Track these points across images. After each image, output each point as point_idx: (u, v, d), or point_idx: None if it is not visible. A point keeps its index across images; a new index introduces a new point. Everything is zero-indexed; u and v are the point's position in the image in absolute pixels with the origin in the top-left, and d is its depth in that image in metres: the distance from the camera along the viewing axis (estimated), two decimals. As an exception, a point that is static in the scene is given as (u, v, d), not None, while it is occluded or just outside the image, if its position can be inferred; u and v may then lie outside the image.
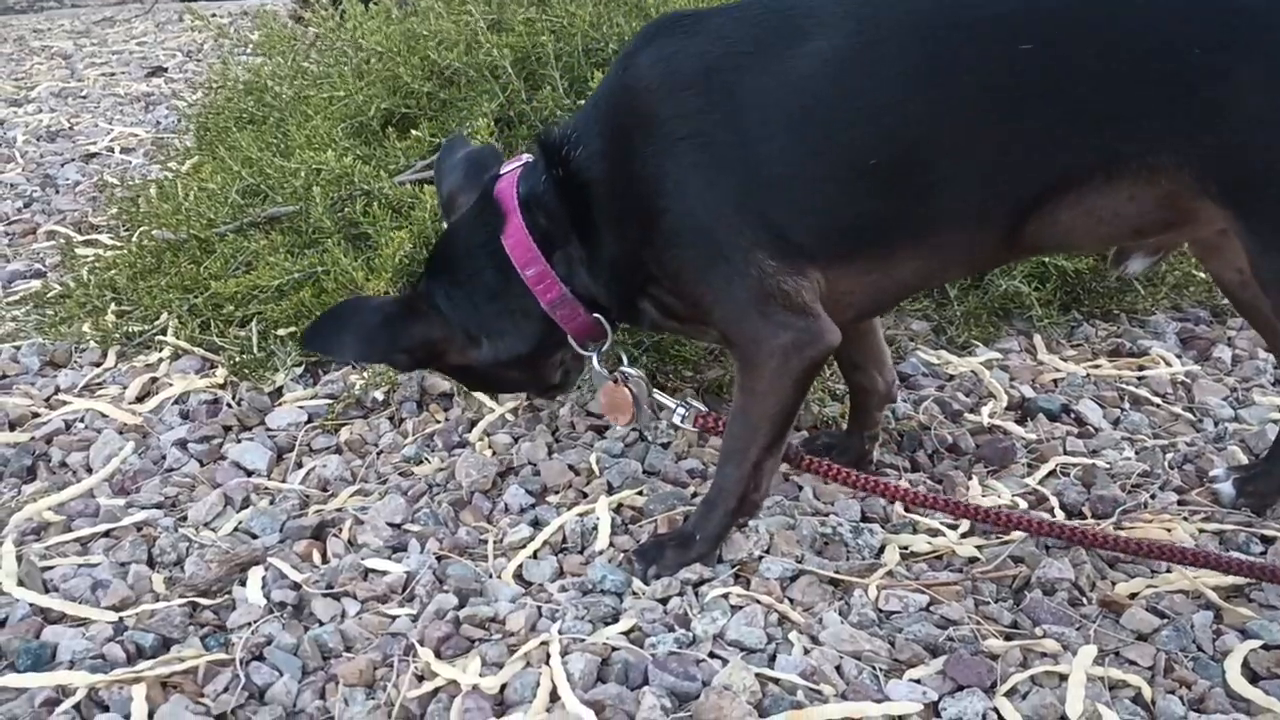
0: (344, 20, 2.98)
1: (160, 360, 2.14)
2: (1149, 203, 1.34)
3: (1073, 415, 1.91)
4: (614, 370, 1.65)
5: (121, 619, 1.45)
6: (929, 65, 1.35)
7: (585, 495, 1.71)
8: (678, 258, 1.46)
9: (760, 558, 1.52)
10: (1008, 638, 1.37)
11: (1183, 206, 1.33)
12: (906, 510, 1.64)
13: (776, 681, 1.30)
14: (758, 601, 1.43)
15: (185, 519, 1.68)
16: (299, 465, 1.83)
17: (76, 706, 1.29)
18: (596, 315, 1.57)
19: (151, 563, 1.58)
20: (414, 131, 2.52)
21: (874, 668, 1.32)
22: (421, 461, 1.82)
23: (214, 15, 7.19)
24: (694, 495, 1.69)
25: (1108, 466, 1.74)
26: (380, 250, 2.12)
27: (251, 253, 2.27)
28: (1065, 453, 1.79)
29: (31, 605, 1.47)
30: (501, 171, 1.61)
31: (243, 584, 1.52)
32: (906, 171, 1.37)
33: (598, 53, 2.60)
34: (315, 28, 3.13)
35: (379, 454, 1.86)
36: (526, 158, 1.61)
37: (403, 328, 1.58)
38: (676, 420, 1.64)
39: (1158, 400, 1.96)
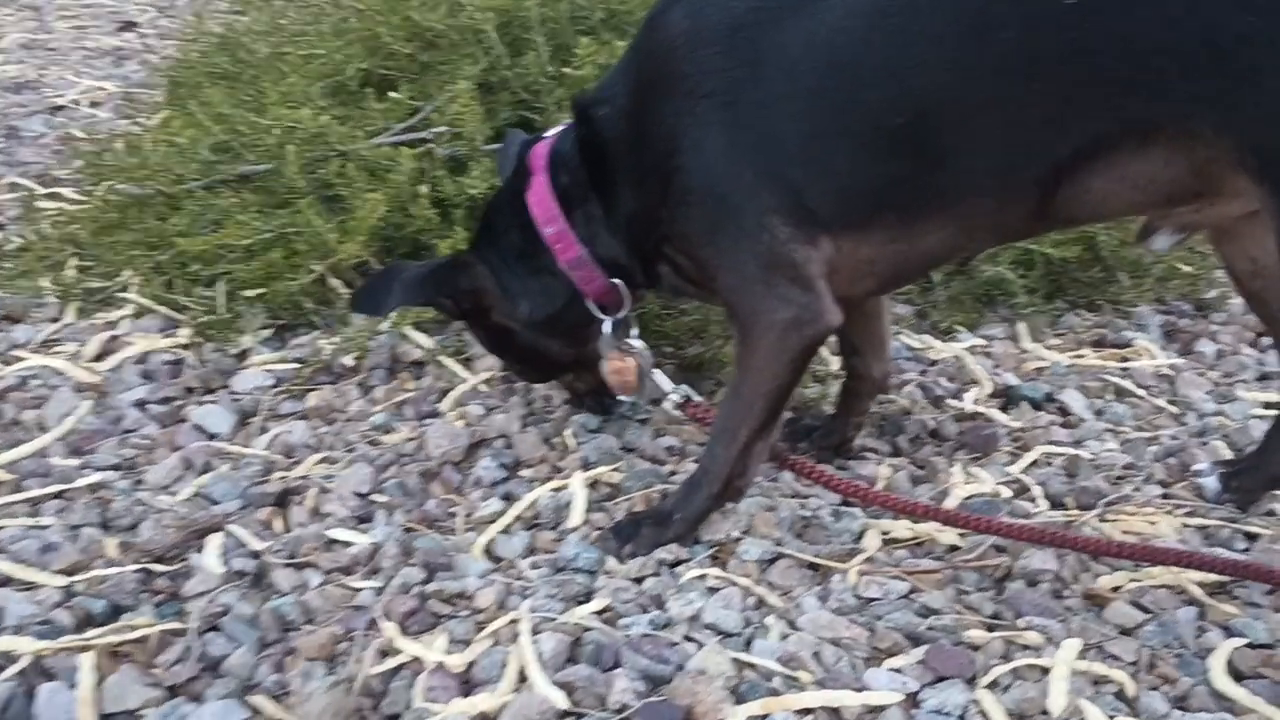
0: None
1: (121, 318, 2.07)
2: (1183, 170, 1.29)
3: (1056, 404, 1.88)
4: (622, 341, 1.60)
5: (71, 584, 1.39)
6: (962, 21, 1.29)
7: (559, 470, 1.66)
8: (690, 217, 1.43)
9: (739, 539, 1.48)
10: (989, 629, 1.34)
11: (1217, 177, 1.28)
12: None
13: (753, 667, 1.26)
14: (735, 584, 1.39)
15: (142, 482, 1.63)
16: (263, 430, 1.77)
17: (21, 673, 1.23)
18: (615, 280, 1.53)
19: (105, 526, 1.53)
20: (393, 93, 2.46)
21: (853, 655, 1.29)
22: (390, 430, 1.77)
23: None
24: (672, 474, 1.65)
25: (1091, 457, 1.71)
26: (354, 212, 2.06)
27: (220, 211, 2.20)
28: (1049, 442, 1.76)
29: (-22, 566, 1.41)
30: (545, 135, 1.59)
31: (200, 551, 1.46)
32: (934, 133, 1.32)
33: (583, 20, 2.54)
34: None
35: (347, 421, 1.80)
36: (569, 122, 1.58)
37: (448, 276, 1.59)
38: (667, 405, 1.60)
39: (1141, 392, 1.93)
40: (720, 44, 1.38)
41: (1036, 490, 1.63)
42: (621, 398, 1.66)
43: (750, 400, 1.46)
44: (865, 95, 1.33)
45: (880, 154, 1.34)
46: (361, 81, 2.57)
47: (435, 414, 1.81)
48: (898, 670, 1.26)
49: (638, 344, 1.61)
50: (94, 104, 3.83)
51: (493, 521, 1.54)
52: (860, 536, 1.52)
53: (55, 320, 2.10)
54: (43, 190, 2.82)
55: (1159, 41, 1.23)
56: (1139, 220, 1.50)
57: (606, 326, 1.59)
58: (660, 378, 1.61)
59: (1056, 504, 1.61)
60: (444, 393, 1.87)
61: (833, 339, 1.69)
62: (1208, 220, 1.45)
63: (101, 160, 2.74)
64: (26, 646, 1.25)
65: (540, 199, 1.54)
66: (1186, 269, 2.25)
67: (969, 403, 1.85)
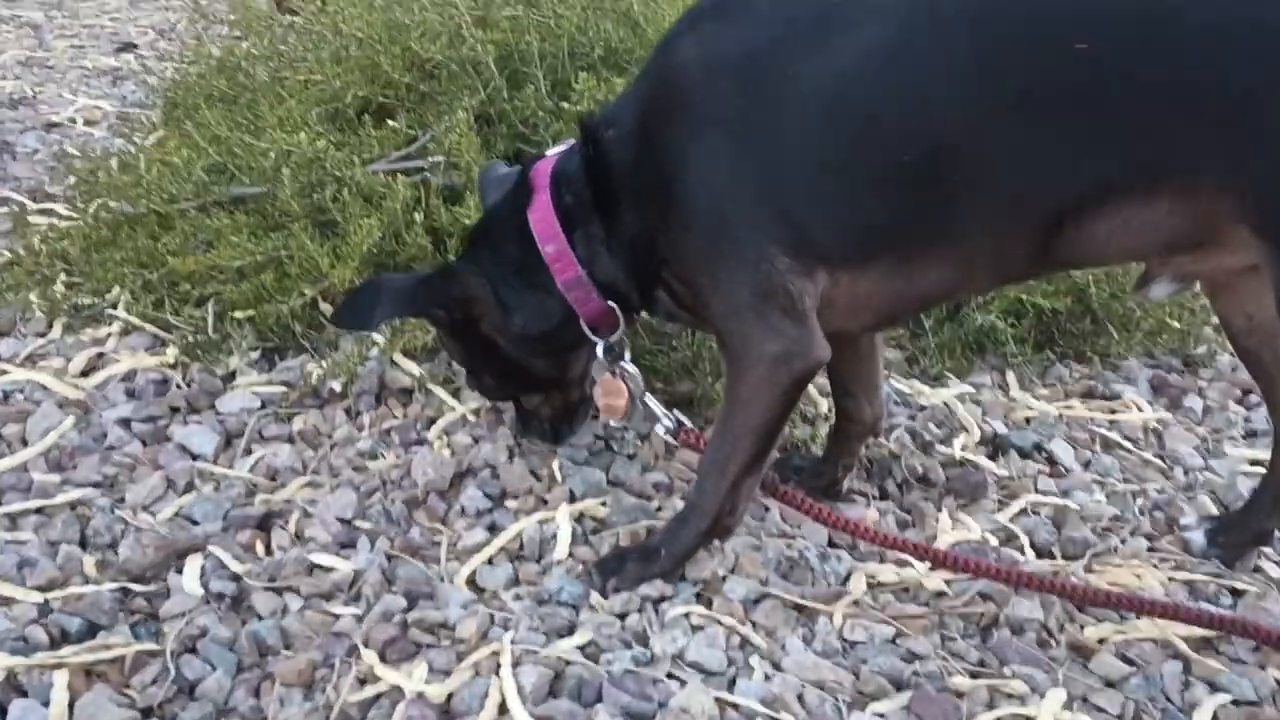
0: (325, 4, 2.92)
1: (109, 335, 2.05)
2: (1186, 219, 1.29)
3: (1044, 454, 1.88)
4: (614, 364, 1.60)
5: (47, 600, 1.37)
6: (972, 61, 1.30)
7: (545, 502, 1.65)
8: (689, 243, 1.43)
9: (724, 578, 1.47)
10: (974, 676, 1.33)
11: (1219, 229, 1.29)
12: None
13: (736, 707, 1.25)
14: (719, 623, 1.38)
15: (123, 500, 1.61)
16: (248, 452, 1.76)
17: (-7, 690, 1.21)
18: (611, 304, 1.53)
19: (84, 544, 1.51)
20: (390, 122, 2.46)
21: (837, 699, 1.28)
22: (376, 457, 1.75)
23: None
24: (659, 510, 1.64)
25: (1078, 508, 1.71)
26: (348, 237, 2.06)
27: (213, 231, 2.19)
28: (1036, 491, 1.76)
29: (-48, 580, 1.39)
30: (548, 153, 1.59)
31: (179, 572, 1.45)
32: (939, 172, 1.32)
33: (583, 56, 2.56)
34: (296, 11, 3.06)
35: (332, 446, 1.79)
36: (572, 142, 1.59)
37: (441, 286, 1.58)
38: (660, 430, 1.59)
39: (1129, 445, 1.93)
40: (730, 73, 1.38)
41: (1023, 539, 1.62)
42: (610, 423, 1.65)
43: (739, 435, 1.45)
44: (872, 132, 1.33)
45: (884, 191, 1.35)
46: (359, 109, 2.58)
47: (422, 442, 1.80)
48: (881, 715, 1.25)
49: (631, 368, 1.60)
50: (89, 122, 3.82)
51: (477, 551, 1.53)
52: (846, 579, 1.51)
53: (41, 335, 2.09)
54: (34, 205, 2.81)
55: (1168, 91, 1.24)
56: (1135, 269, 1.51)
57: (599, 349, 1.59)
58: (653, 403, 1.61)
59: (1043, 553, 1.61)
60: (431, 421, 1.86)
61: (824, 380, 1.69)
62: (1207, 271, 1.46)
63: (95, 178, 2.74)
64: (1, 662, 1.23)
65: (542, 216, 1.53)
66: (1176, 324, 2.26)
67: (957, 449, 1.85)
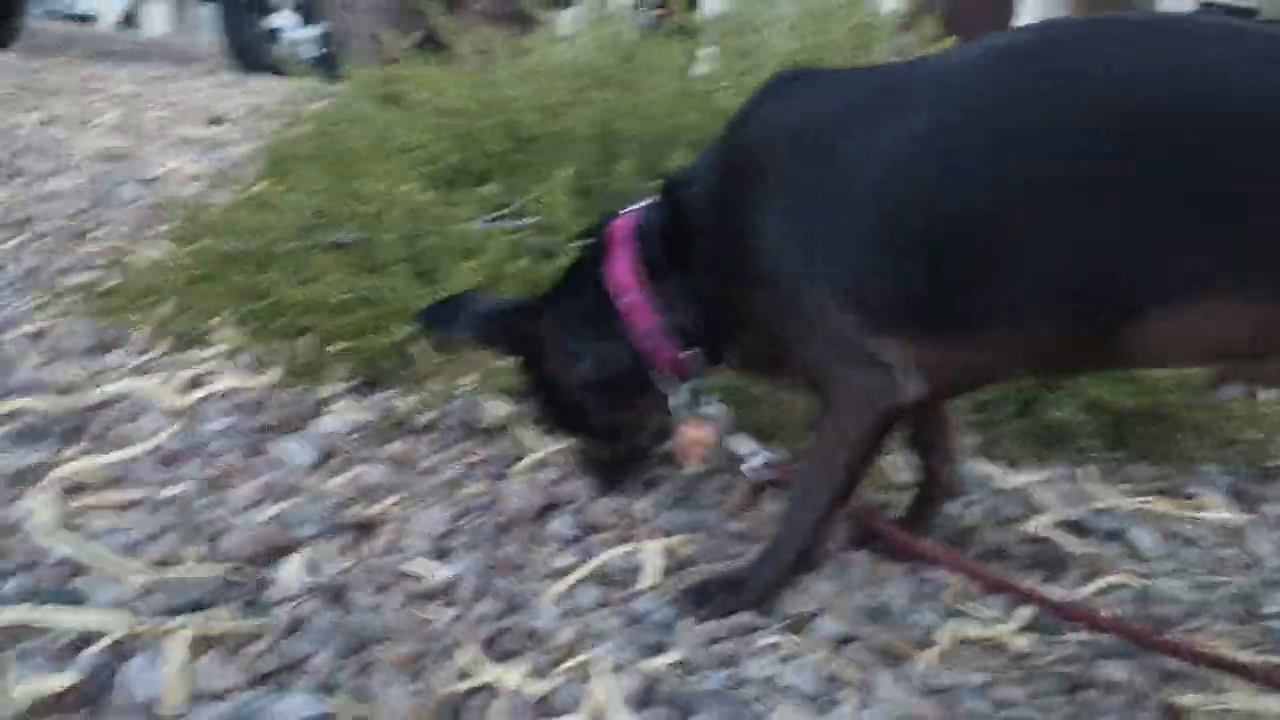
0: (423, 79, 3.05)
1: (209, 358, 2.12)
2: (1245, 326, 1.27)
3: (1124, 541, 1.88)
4: (696, 409, 1.63)
5: (157, 579, 1.40)
6: (1019, 148, 1.30)
7: (630, 538, 1.67)
8: (763, 299, 1.47)
9: (813, 616, 1.48)
10: (1066, 727, 1.33)
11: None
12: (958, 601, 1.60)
13: (831, 732, 1.25)
14: (809, 655, 1.39)
15: (224, 502, 1.64)
16: (340, 472, 1.80)
17: (107, 649, 1.23)
18: (688, 351, 1.57)
19: (188, 534, 1.54)
20: (484, 187, 2.56)
21: (929, 735, 1.27)
22: (464, 485, 1.79)
23: (275, 85, 7.39)
24: (741, 555, 1.65)
25: (1164, 590, 1.71)
26: (446, 283, 2.13)
27: (313, 270, 2.27)
28: (1119, 571, 1.76)
29: (64, 554, 1.42)
30: (623, 211, 1.66)
31: (281, 565, 1.47)
32: (984, 254, 1.33)
33: (670, 144, 2.65)
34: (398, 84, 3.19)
35: (420, 474, 1.82)
36: (649, 201, 1.66)
37: (514, 319, 1.66)
38: (755, 465, 1.62)
39: (1209, 540, 1.94)
40: (798, 141, 1.44)
41: (1108, 613, 1.62)
42: (689, 468, 1.68)
43: (828, 469, 1.48)
44: (915, 206, 1.35)
45: (933, 268, 1.36)
46: (455, 173, 2.69)
47: (505, 477, 1.83)
48: (976, 752, 1.25)
49: (714, 410, 1.64)
50: (182, 180, 3.96)
51: (566, 574, 1.54)
52: (931, 631, 1.51)
53: (142, 354, 2.15)
54: (134, 246, 2.92)
55: (1232, 189, 1.21)
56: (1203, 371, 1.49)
57: (677, 396, 1.63)
58: (741, 441, 1.64)
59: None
60: (516, 459, 1.89)
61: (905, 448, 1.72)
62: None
63: (196, 221, 2.84)
64: (116, 624, 1.26)
65: (620, 269, 1.59)
66: (1254, 434, 2.27)
67: (1036, 528, 1.86)
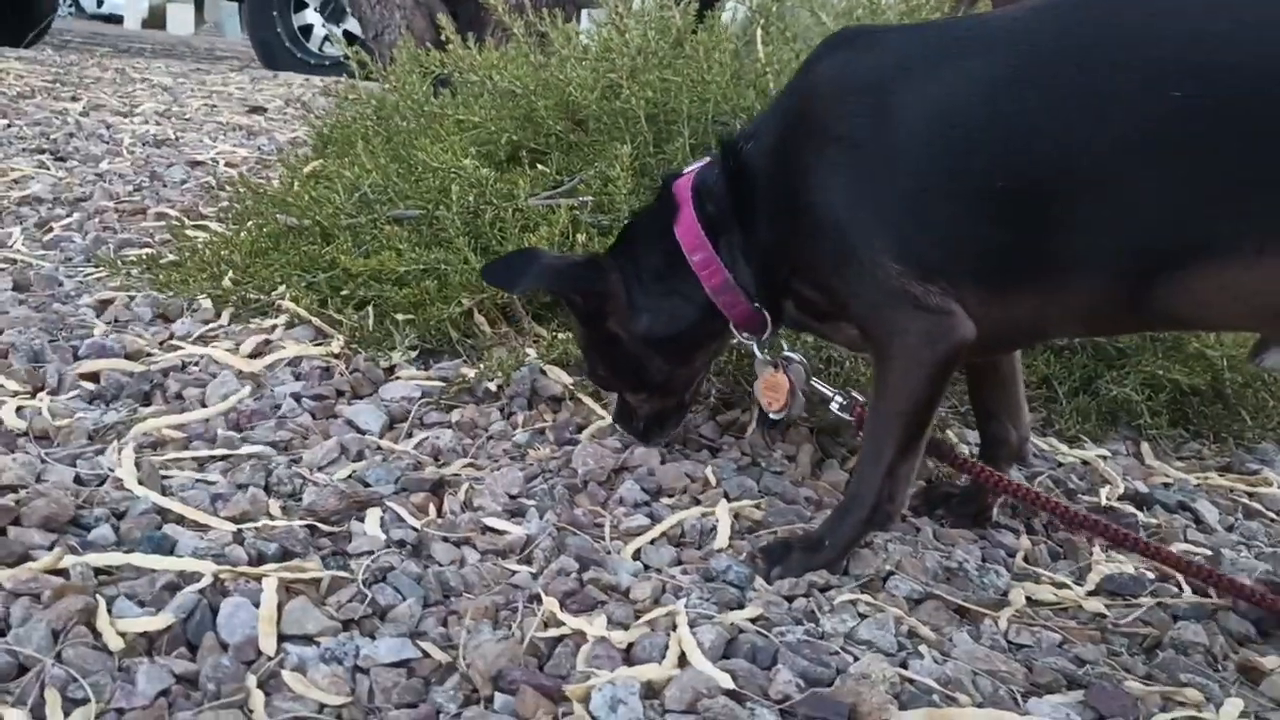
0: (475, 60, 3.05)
1: (274, 326, 2.14)
2: None
3: (1189, 512, 1.88)
4: (777, 356, 1.67)
5: (240, 530, 1.42)
6: (1079, 98, 1.30)
7: (700, 501, 1.68)
8: (817, 251, 1.49)
9: (888, 575, 1.48)
10: (1146, 683, 1.33)
11: None
12: (1027, 561, 1.61)
13: (912, 682, 1.25)
14: (886, 610, 1.39)
15: (299, 460, 1.66)
16: (410, 435, 1.82)
17: (201, 592, 1.25)
18: (759, 305, 1.59)
19: (268, 490, 1.56)
20: (540, 166, 2.57)
21: (1010, 687, 1.28)
22: (533, 449, 1.80)
23: (308, 79, 7.44)
24: (811, 519, 1.66)
25: (1232, 557, 1.71)
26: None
27: (376, 242, 2.29)
28: (1185, 540, 1.76)
29: (153, 503, 1.44)
30: (686, 170, 1.67)
31: (361, 520, 1.49)
32: (1033, 205, 1.34)
33: (726, 124, 2.66)
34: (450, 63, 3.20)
35: (489, 438, 1.84)
36: (709, 159, 1.68)
37: (584, 274, 1.67)
38: (834, 408, 1.64)
39: (1272, 515, 1.93)
40: (857, 94, 1.46)
41: (1179, 577, 1.62)
42: (772, 415, 1.71)
43: (891, 419, 1.48)
44: (972, 157, 1.36)
45: (980, 217, 1.37)
46: (511, 152, 2.70)
47: (574, 442, 1.84)
48: (1058, 705, 1.25)
49: (796, 357, 1.68)
50: (230, 164, 4.00)
51: (639, 534, 1.56)
52: (1005, 592, 1.52)
53: (207, 323, 2.18)
54: (190, 222, 2.95)
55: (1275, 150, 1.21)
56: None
57: (756, 348, 1.67)
58: (821, 385, 1.67)
59: (1200, 593, 1.60)
60: (580, 427, 1.91)
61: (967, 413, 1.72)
62: None
63: (249, 198, 2.87)
64: (208, 569, 1.28)
65: (688, 228, 1.61)
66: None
67: (1103, 498, 1.86)
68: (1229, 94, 1.23)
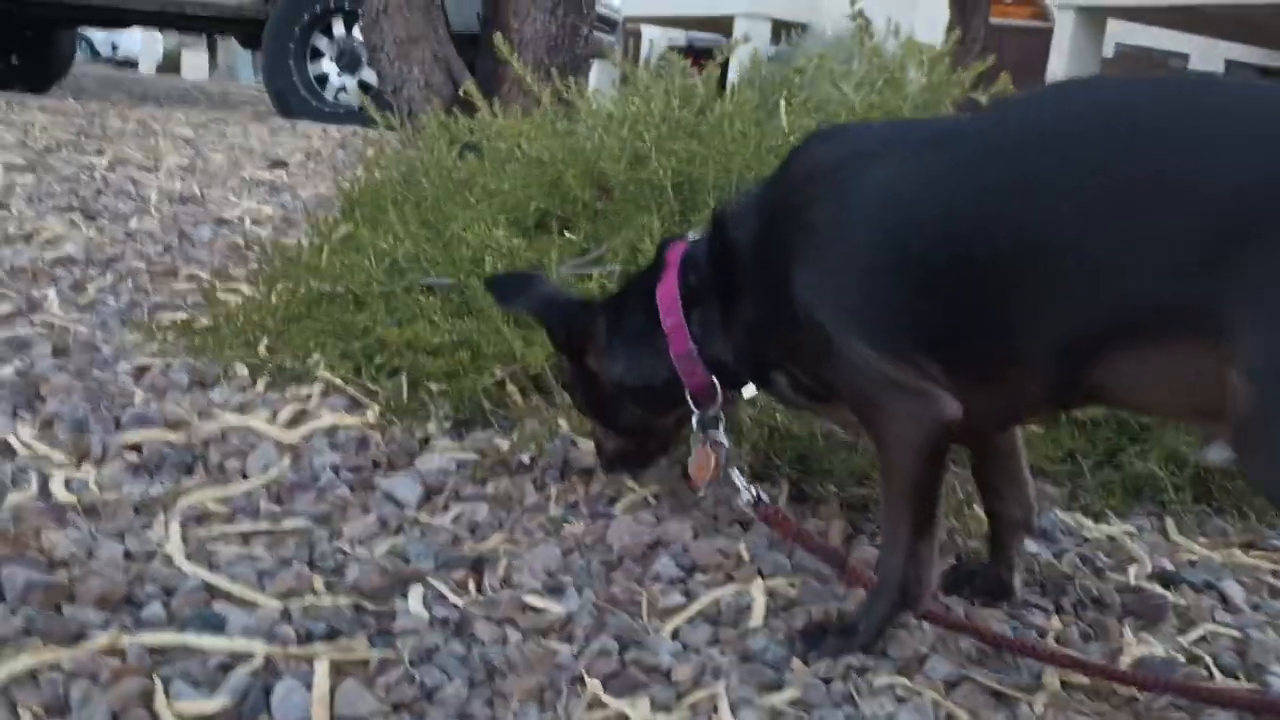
0: (503, 127, 3.11)
1: (309, 395, 2.18)
2: (1201, 377, 1.25)
3: (1216, 592, 1.89)
4: (710, 436, 1.74)
5: (287, 607, 1.44)
6: (996, 195, 1.37)
7: (734, 579, 1.70)
8: (799, 338, 1.55)
9: (925, 657, 1.50)
10: (1181, 772, 1.34)
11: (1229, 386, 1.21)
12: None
13: (952, 771, 1.27)
14: (923, 695, 1.41)
15: (340, 534, 1.69)
16: (447, 508, 1.84)
17: (254, 673, 1.27)
18: (713, 379, 1.68)
19: (311, 565, 1.59)
20: (567, 233, 2.62)
21: (1050, 776, 1.30)
22: (568, 522, 1.83)
23: (325, 130, 7.53)
24: (845, 596, 1.68)
25: (1260, 639, 1.72)
26: (539, 330, 2.18)
27: (408, 311, 2.33)
28: (1214, 621, 1.77)
29: (202, 580, 1.47)
30: (686, 236, 1.77)
31: (404, 597, 1.52)
32: (971, 289, 1.39)
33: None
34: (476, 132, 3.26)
35: (525, 510, 1.87)
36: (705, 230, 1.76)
37: (572, 312, 1.80)
38: (740, 502, 1.73)
39: (1298, 594, 1.95)
40: (824, 184, 1.53)
41: (1208, 660, 1.64)
42: (697, 489, 1.83)
43: (896, 503, 1.52)
44: (908, 244, 1.43)
45: (919, 304, 1.44)
46: (538, 220, 2.75)
47: (607, 516, 1.87)
48: (1096, 794, 1.27)
49: (723, 440, 1.74)
50: (256, 221, 4.06)
51: (676, 612, 1.58)
52: (1040, 675, 1.53)
53: (243, 390, 2.21)
54: (220, 285, 2.99)
55: (1185, 228, 1.24)
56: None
57: (694, 420, 1.74)
58: (737, 476, 1.73)
59: (1229, 675, 1.62)
60: (612, 500, 1.93)
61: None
62: None
63: (281, 262, 2.91)
64: (259, 649, 1.30)
65: (667, 293, 1.70)
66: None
67: (1131, 577, 1.88)
68: (1128, 195, 1.28)
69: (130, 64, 23.85)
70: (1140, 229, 1.27)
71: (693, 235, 1.77)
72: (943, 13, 8.40)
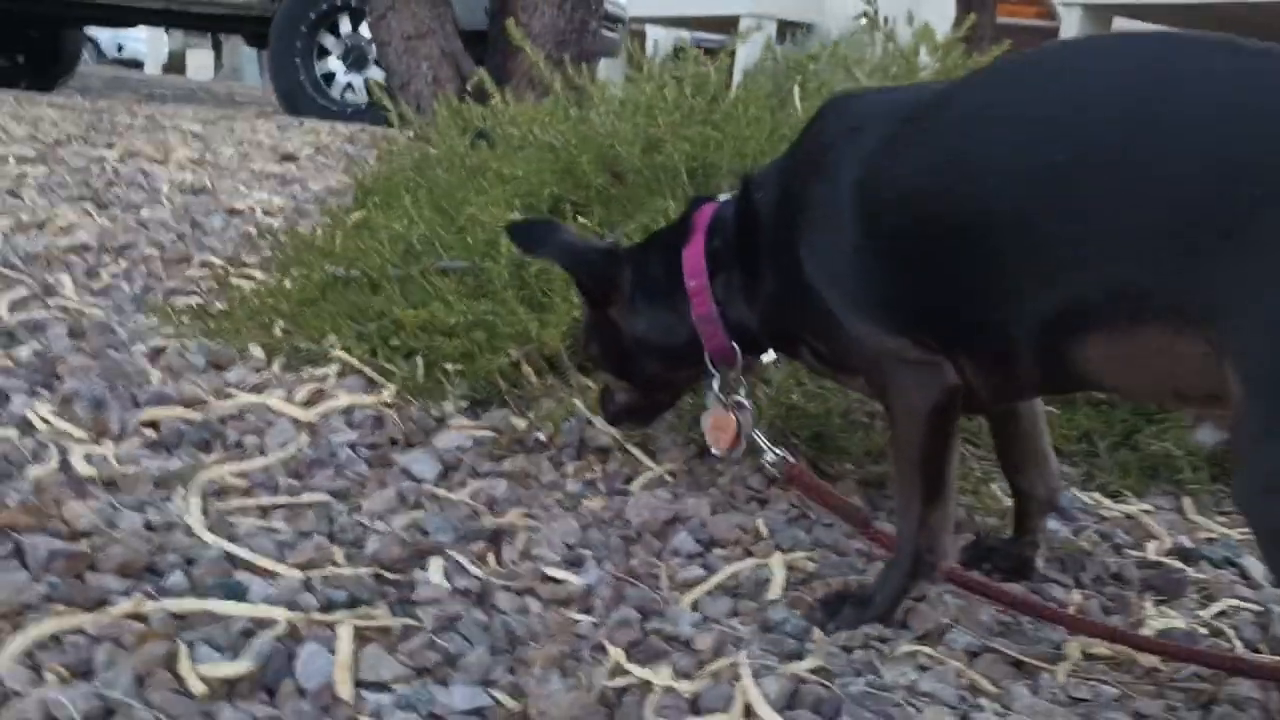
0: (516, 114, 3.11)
1: (326, 375, 2.18)
2: (1184, 363, 1.21)
3: (1236, 568, 1.89)
4: (729, 398, 1.74)
5: (309, 577, 1.45)
6: (976, 172, 1.35)
7: (752, 554, 1.70)
8: (811, 311, 1.55)
9: (947, 628, 1.50)
10: (1206, 741, 1.34)
11: (1220, 377, 1.14)
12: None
13: (977, 735, 1.27)
14: (945, 664, 1.41)
15: (360, 508, 1.69)
16: (464, 484, 1.84)
17: (278, 638, 1.27)
18: (733, 344, 1.68)
19: (331, 538, 1.59)
20: (580, 218, 2.62)
21: (1074, 743, 1.29)
22: (586, 498, 1.83)
23: (333, 126, 7.54)
24: (864, 570, 1.68)
25: (1280, 615, 1.72)
26: (554, 308, 2.18)
27: (424, 294, 2.33)
28: (1235, 596, 1.77)
29: (223, 550, 1.47)
30: (717, 197, 1.76)
31: (424, 568, 1.52)
32: (943, 270, 1.39)
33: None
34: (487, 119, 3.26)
35: (542, 487, 1.87)
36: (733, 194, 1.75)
37: (596, 258, 1.78)
38: (765, 462, 1.74)
39: (1316, 570, 1.94)
40: (822, 155, 1.53)
41: (1230, 633, 1.63)
42: (714, 451, 1.79)
43: (907, 472, 1.53)
44: (894, 213, 1.43)
45: (905, 276, 1.44)
46: (552, 205, 2.74)
47: (624, 493, 1.87)
48: (1121, 760, 1.26)
49: (746, 402, 1.74)
50: (267, 212, 4.06)
51: (695, 585, 1.58)
52: (1060, 645, 1.53)
53: (258, 371, 2.22)
54: (234, 270, 3.00)
55: (1157, 206, 1.19)
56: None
57: (714, 383, 1.74)
58: (760, 438, 1.74)
59: (1251, 648, 1.61)
60: (629, 478, 1.93)
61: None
62: None
63: (294, 247, 2.91)
64: (282, 615, 1.30)
65: (692, 255, 1.69)
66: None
67: (1150, 553, 1.87)
68: (1098, 160, 1.24)
69: (136, 64, 23.88)
70: (1110, 209, 1.22)
71: (723, 196, 1.76)
72: (949, 12, 8.39)
